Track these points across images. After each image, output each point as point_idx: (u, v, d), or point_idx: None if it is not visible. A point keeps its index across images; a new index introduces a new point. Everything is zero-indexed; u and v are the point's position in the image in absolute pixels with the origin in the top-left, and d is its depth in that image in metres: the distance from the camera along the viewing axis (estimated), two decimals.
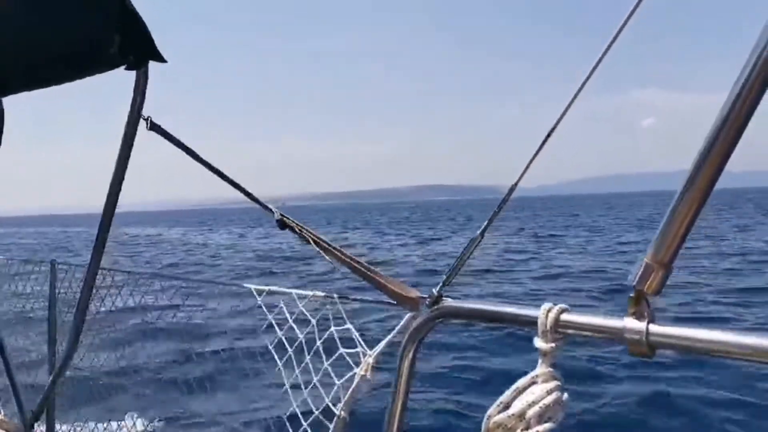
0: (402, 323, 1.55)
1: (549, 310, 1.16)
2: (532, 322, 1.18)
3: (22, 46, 2.19)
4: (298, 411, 1.94)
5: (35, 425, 2.94)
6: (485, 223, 1.36)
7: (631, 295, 1.04)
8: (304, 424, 1.92)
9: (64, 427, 3.84)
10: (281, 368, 2.11)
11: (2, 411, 3.95)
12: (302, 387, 1.95)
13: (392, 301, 1.63)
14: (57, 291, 3.94)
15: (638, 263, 1.02)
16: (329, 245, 1.77)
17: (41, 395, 2.84)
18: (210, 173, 1.93)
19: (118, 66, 1.95)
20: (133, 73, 1.95)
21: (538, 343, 1.16)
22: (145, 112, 1.95)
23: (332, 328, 1.86)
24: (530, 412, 1.12)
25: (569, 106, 1.19)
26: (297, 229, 1.82)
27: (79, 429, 3.91)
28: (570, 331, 1.15)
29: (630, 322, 1.04)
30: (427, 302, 1.45)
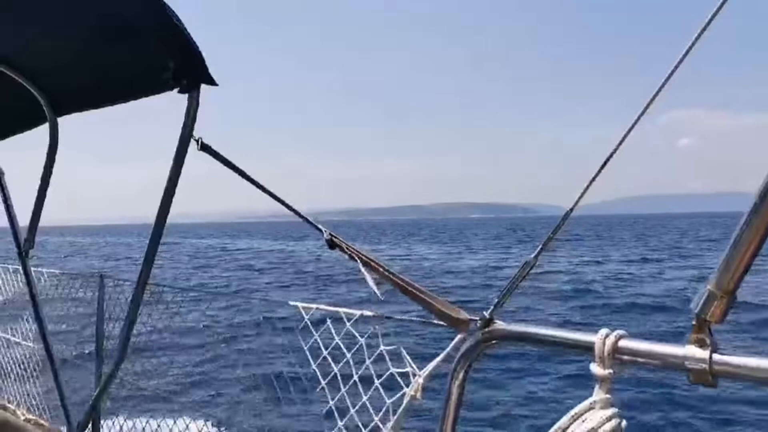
0: (452, 344, 1.55)
1: (606, 336, 1.15)
2: (588, 348, 1.17)
3: (79, 69, 2.30)
4: (345, 430, 1.95)
5: None
6: (540, 246, 1.35)
7: (694, 323, 1.03)
8: None
9: None
10: (325, 387, 2.12)
11: (50, 421, 4.07)
12: (350, 406, 1.95)
13: (442, 323, 1.63)
14: (105, 304, 4.05)
15: (701, 291, 1.01)
16: (378, 264, 1.78)
17: (88, 405, 2.91)
18: (259, 192, 1.97)
19: (171, 89, 2.02)
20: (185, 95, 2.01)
21: (595, 369, 1.15)
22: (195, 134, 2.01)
23: (381, 347, 1.87)
24: None
25: (631, 128, 1.18)
26: (346, 249, 1.84)
27: None
28: (628, 358, 1.13)
29: (692, 351, 1.02)
30: (477, 324, 1.45)
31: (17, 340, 4.39)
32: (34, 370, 4.26)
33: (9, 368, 4.53)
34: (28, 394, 4.28)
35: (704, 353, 1.00)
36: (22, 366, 4.38)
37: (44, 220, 2.90)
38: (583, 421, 1.13)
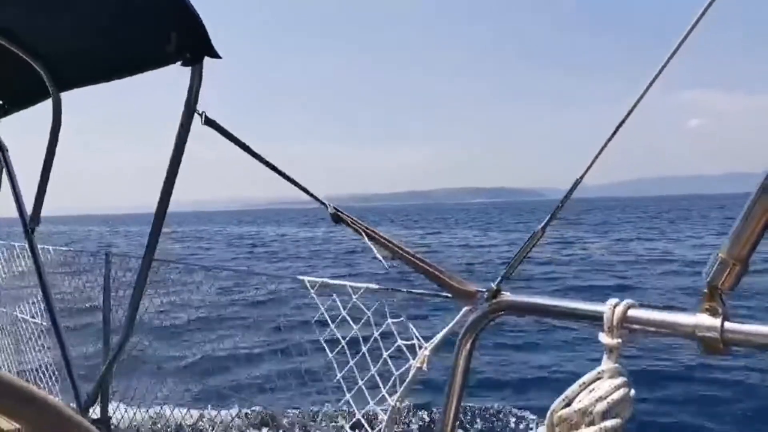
0: (459, 316, 1.56)
1: (616, 305, 1.14)
2: (597, 317, 1.17)
3: (82, 43, 2.27)
4: (351, 401, 1.97)
5: (90, 409, 3.06)
6: (547, 218, 1.35)
7: (705, 290, 1.02)
8: (358, 414, 1.95)
9: (117, 412, 3.97)
10: (333, 359, 2.14)
11: (59, 395, 4.12)
12: (357, 378, 1.97)
13: (448, 295, 1.63)
14: (112, 281, 4.08)
15: (713, 258, 1.01)
16: (383, 238, 1.78)
17: (96, 381, 2.95)
18: (264, 168, 1.96)
19: (174, 62, 2.00)
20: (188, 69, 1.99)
21: (604, 338, 1.15)
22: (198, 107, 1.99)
23: (388, 320, 1.88)
24: (597, 408, 1.11)
25: (633, 107, 1.17)
26: (350, 222, 1.84)
27: (132, 413, 4.04)
28: (637, 327, 1.13)
29: (703, 319, 1.02)
30: (485, 296, 1.45)
31: (24, 316, 4.43)
32: (42, 346, 4.30)
33: (18, 345, 4.58)
34: (37, 370, 4.34)
35: (715, 321, 1.00)
36: (30, 342, 4.42)
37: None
38: (591, 390, 1.14)
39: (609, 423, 1.11)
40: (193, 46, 1.91)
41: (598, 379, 1.16)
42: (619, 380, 1.13)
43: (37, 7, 2.04)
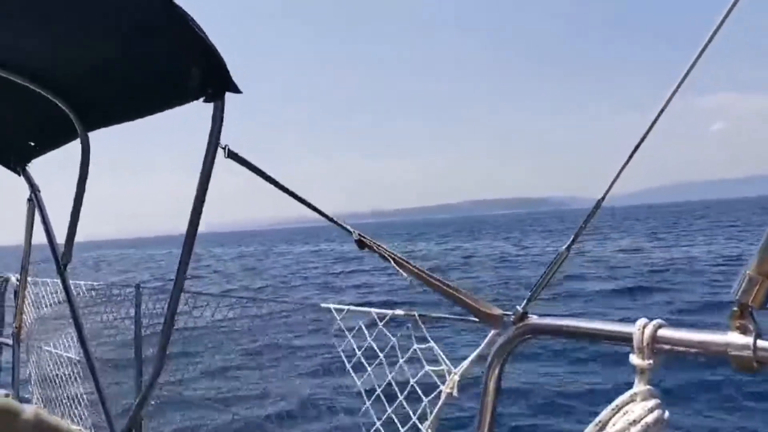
0: (486, 340, 1.54)
1: (645, 326, 1.13)
2: (626, 339, 1.15)
3: (107, 83, 2.34)
4: (382, 429, 1.95)
5: None
6: (572, 237, 1.33)
7: (735, 308, 1.00)
8: None
9: None
10: (361, 388, 2.13)
11: (93, 429, 4.17)
12: (386, 406, 1.96)
13: (474, 319, 1.62)
14: (142, 313, 4.14)
15: (741, 275, 0.99)
16: (407, 263, 1.78)
17: (130, 414, 2.97)
18: (287, 196, 1.98)
19: (197, 98, 2.05)
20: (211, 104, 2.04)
21: (634, 360, 1.13)
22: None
23: (414, 346, 1.87)
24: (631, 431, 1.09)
25: (659, 115, 1.16)
26: (376, 249, 1.84)
27: None
28: (667, 347, 1.11)
29: (734, 337, 0.99)
30: (511, 319, 1.44)
31: (59, 352, 4.51)
32: (76, 380, 4.37)
33: (53, 380, 4.65)
34: (71, 405, 4.40)
35: (747, 339, 0.98)
36: (64, 377, 4.50)
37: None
38: (625, 413, 1.11)
39: None
40: (214, 81, 1.95)
41: (632, 401, 1.13)
42: (652, 402, 1.11)
43: (60, 47, 2.11)
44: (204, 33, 1.78)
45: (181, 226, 2.24)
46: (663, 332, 1.11)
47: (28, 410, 0.55)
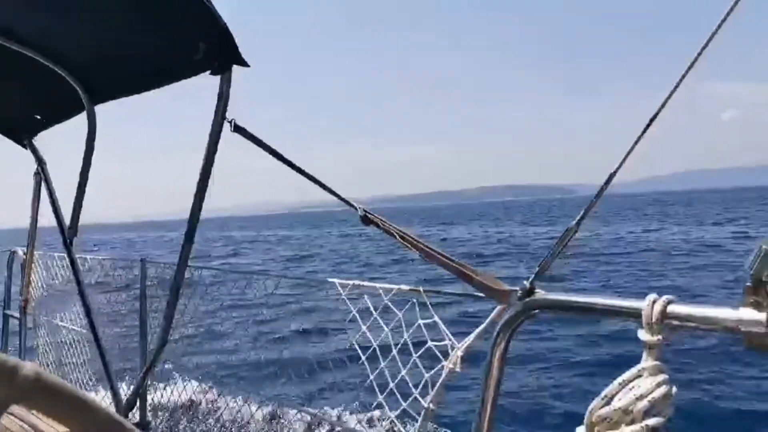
0: (492, 316, 1.53)
1: (654, 301, 1.11)
2: (635, 314, 1.14)
3: (113, 57, 2.32)
4: (384, 403, 1.96)
5: (129, 413, 3.12)
6: (581, 213, 1.31)
7: (748, 284, 0.98)
8: (391, 415, 1.94)
9: (157, 416, 4.04)
10: (365, 362, 2.13)
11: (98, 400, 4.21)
12: (389, 380, 1.96)
13: (481, 294, 1.61)
14: (147, 287, 4.16)
15: (756, 250, 0.96)
16: (414, 239, 1.77)
17: (135, 385, 3.00)
18: (294, 173, 1.97)
19: (203, 71, 2.03)
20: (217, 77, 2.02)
21: (643, 335, 1.12)
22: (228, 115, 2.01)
23: (419, 321, 1.86)
24: (638, 406, 1.08)
25: (667, 99, 1.13)
26: (381, 225, 1.83)
27: (169, 417, 4.11)
28: (677, 323, 1.09)
29: (747, 313, 0.97)
30: (518, 294, 1.42)
31: (65, 324, 4.54)
32: (82, 353, 4.41)
33: (59, 351, 4.70)
34: (78, 378, 4.44)
35: (761, 315, 0.95)
36: (71, 350, 4.54)
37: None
38: (632, 388, 1.10)
39: (651, 421, 1.07)
40: (221, 55, 1.93)
41: (639, 377, 1.12)
42: (660, 377, 1.09)
43: (69, 21, 2.09)
44: (212, 4, 1.75)
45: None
46: (673, 308, 1.09)
47: (28, 366, 0.53)
